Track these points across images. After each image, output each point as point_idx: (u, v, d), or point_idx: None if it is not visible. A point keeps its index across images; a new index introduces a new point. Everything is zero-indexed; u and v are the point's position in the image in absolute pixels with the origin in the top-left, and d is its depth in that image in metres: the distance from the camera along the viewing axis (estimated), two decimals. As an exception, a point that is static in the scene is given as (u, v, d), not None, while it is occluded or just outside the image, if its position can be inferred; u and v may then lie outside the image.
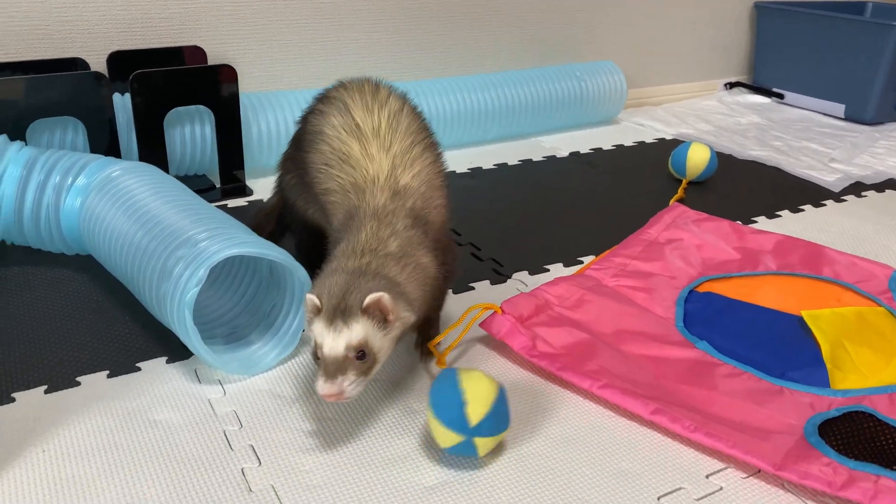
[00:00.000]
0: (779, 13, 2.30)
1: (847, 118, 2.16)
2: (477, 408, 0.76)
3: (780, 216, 1.47)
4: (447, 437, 0.77)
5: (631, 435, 0.85)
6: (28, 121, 1.26)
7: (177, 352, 0.95)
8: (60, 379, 0.90)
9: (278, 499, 0.74)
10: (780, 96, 2.32)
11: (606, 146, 1.86)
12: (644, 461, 0.81)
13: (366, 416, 0.86)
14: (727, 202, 1.52)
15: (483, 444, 0.77)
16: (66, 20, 1.43)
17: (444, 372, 0.80)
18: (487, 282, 1.17)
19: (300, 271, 0.94)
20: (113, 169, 1.10)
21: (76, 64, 1.41)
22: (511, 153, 1.76)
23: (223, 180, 1.47)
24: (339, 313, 0.76)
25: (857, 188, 1.63)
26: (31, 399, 0.87)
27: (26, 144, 1.17)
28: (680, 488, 0.78)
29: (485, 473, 0.78)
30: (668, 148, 1.71)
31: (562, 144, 1.85)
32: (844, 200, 1.57)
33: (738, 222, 1.36)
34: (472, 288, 1.15)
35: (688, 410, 0.86)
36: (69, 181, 1.11)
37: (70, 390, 0.88)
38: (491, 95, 1.76)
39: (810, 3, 2.31)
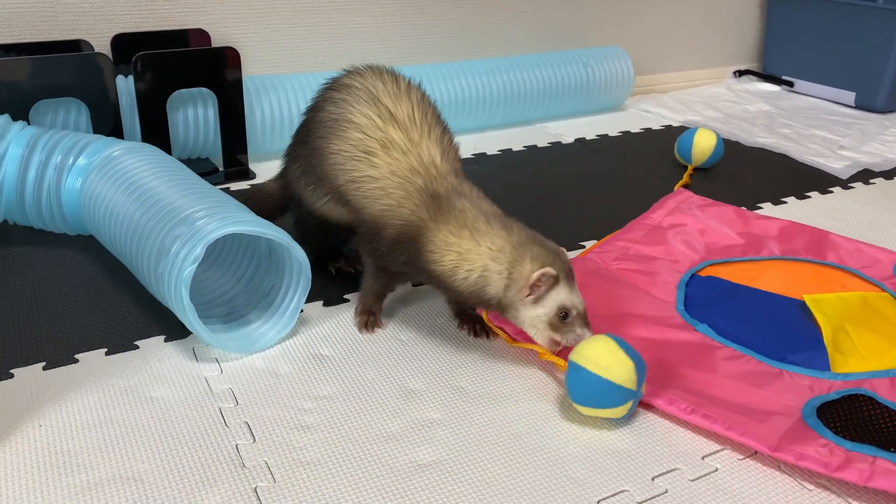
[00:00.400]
0: (789, 0, 2.27)
1: (858, 106, 2.13)
2: (624, 374, 0.80)
3: (785, 202, 1.46)
4: (622, 410, 0.81)
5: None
6: (32, 101, 1.27)
7: (175, 331, 0.95)
8: (59, 356, 0.91)
9: (271, 474, 0.74)
10: (790, 84, 2.30)
11: (612, 133, 1.85)
12: (639, 441, 0.81)
13: (360, 394, 0.86)
14: (733, 188, 1.51)
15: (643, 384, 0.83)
16: (71, 2, 1.43)
17: (571, 368, 0.83)
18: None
19: (297, 250, 0.94)
20: (114, 149, 1.10)
21: (80, 46, 1.41)
22: (516, 139, 1.75)
23: (226, 163, 1.47)
24: (571, 275, 0.86)
25: (865, 175, 1.62)
26: (29, 375, 0.87)
27: (29, 125, 1.18)
28: (675, 469, 0.77)
29: (478, 452, 0.78)
30: (674, 135, 1.70)
31: (567, 131, 1.83)
32: (852, 188, 1.55)
33: (744, 208, 1.34)
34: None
35: (686, 393, 0.86)
36: (70, 161, 1.11)
37: (68, 367, 0.89)
38: (496, 81, 1.74)
39: (821, -10, 2.28)
